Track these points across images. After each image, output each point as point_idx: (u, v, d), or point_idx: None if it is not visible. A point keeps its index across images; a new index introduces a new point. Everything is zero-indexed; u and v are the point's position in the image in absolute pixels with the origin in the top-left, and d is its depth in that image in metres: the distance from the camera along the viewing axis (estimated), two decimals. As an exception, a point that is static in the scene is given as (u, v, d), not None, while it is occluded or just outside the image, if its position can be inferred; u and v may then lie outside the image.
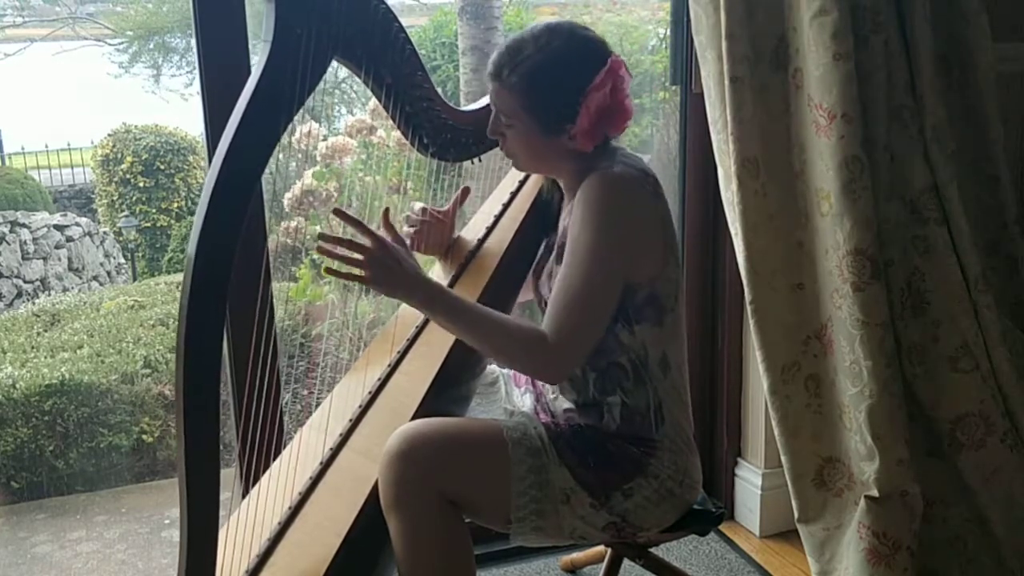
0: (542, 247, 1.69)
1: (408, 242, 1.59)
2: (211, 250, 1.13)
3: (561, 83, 1.44)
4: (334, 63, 1.37)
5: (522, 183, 1.82)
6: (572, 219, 1.46)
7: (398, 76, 1.47)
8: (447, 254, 1.77)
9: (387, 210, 1.52)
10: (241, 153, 1.16)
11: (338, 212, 1.39)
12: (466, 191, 1.76)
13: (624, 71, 1.46)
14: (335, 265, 1.38)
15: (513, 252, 1.70)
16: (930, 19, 1.87)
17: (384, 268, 1.38)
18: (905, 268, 1.95)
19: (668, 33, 2.33)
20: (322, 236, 1.38)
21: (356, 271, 1.39)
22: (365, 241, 1.38)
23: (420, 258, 1.65)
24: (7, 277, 5.58)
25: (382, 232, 1.49)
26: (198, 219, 1.13)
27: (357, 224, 1.39)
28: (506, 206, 1.79)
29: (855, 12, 1.81)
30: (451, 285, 1.69)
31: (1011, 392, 1.96)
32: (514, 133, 1.50)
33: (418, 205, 1.75)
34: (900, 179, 1.93)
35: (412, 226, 1.72)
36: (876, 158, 1.88)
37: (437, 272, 1.75)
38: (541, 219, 1.72)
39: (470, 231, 1.80)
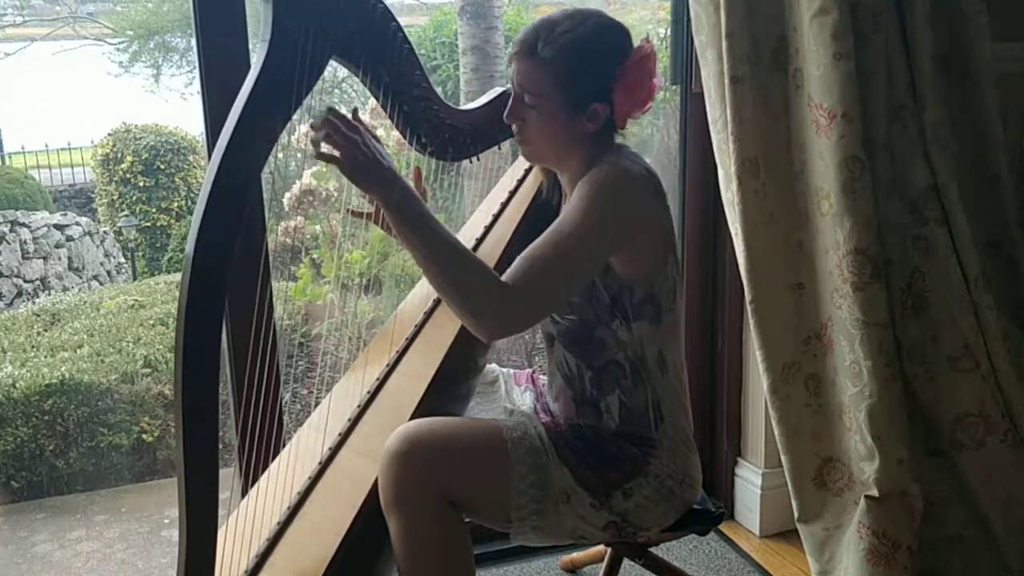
0: None
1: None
2: (209, 250, 1.13)
3: (597, 57, 1.44)
4: (333, 63, 1.36)
5: (520, 182, 1.82)
6: (570, 199, 1.44)
7: (396, 75, 1.46)
8: None
9: (355, 110, 1.43)
10: (239, 153, 1.16)
11: (330, 110, 1.32)
12: (417, 172, 1.69)
13: (653, 51, 1.47)
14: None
15: (511, 253, 1.69)
16: (930, 19, 1.87)
17: (363, 153, 1.32)
18: (905, 268, 1.95)
19: (668, 33, 2.33)
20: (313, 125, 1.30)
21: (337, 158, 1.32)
22: (345, 127, 1.31)
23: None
24: (7, 277, 5.58)
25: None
26: (196, 219, 1.13)
27: (340, 115, 1.32)
28: (504, 205, 1.79)
29: (855, 12, 1.81)
30: None
31: (1011, 392, 1.96)
32: (536, 114, 1.48)
33: None
34: (900, 179, 1.93)
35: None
36: (876, 158, 1.88)
37: (419, 291, 1.73)
38: (540, 219, 1.72)
39: (468, 232, 1.80)
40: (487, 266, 1.38)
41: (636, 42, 1.49)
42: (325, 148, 1.33)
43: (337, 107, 1.36)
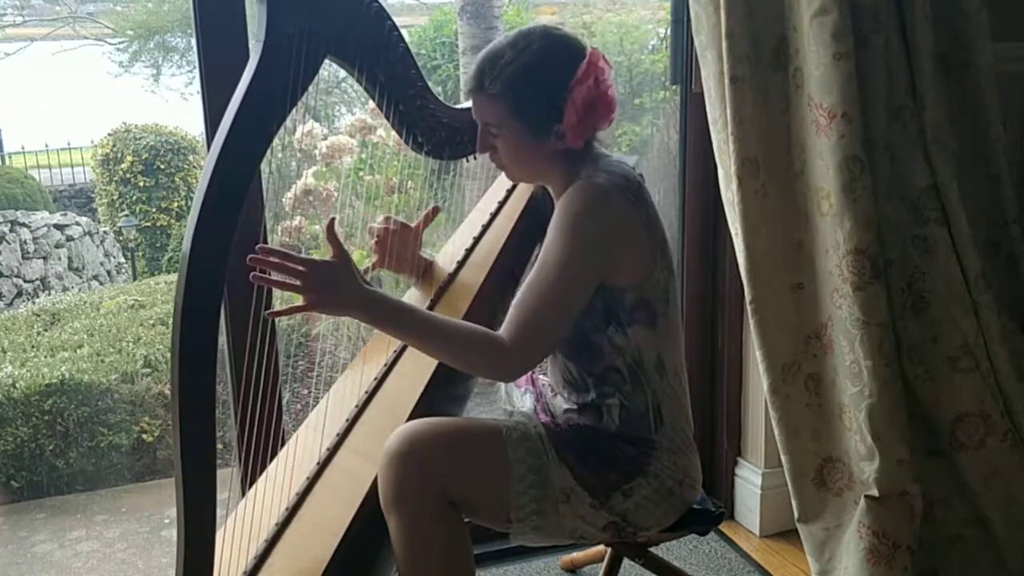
0: (536, 253, 1.69)
1: (367, 255, 1.53)
2: (205, 249, 1.13)
3: (545, 81, 1.44)
4: (332, 63, 1.36)
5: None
6: (549, 227, 1.46)
7: (391, 75, 1.46)
8: (425, 273, 1.75)
9: (332, 220, 1.44)
10: (235, 152, 1.16)
11: (261, 249, 1.31)
12: (435, 211, 1.74)
13: (604, 62, 1.46)
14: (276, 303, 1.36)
15: (508, 253, 1.70)
16: (930, 19, 1.87)
17: (320, 290, 1.33)
18: (905, 268, 1.95)
19: (668, 33, 2.33)
20: (253, 260, 1.29)
21: (298, 301, 1.35)
22: (297, 267, 1.32)
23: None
24: (7, 276, 5.58)
25: (327, 246, 1.41)
26: (192, 218, 1.14)
27: (283, 255, 1.32)
28: (502, 204, 1.79)
29: (855, 12, 1.80)
30: (442, 290, 1.69)
31: (1011, 392, 1.96)
32: (503, 143, 1.49)
33: (381, 217, 1.72)
34: (900, 179, 1.93)
35: (373, 236, 1.70)
36: (876, 158, 1.87)
37: (413, 295, 1.73)
38: (534, 223, 1.72)
39: (465, 231, 1.80)
40: (476, 328, 1.41)
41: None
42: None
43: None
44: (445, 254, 1.79)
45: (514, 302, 1.43)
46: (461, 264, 1.73)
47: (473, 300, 1.63)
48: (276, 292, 2.00)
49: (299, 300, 1.35)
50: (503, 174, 1.86)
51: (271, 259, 1.31)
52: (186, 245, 1.13)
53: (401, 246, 1.70)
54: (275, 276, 1.32)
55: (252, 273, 1.30)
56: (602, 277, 1.46)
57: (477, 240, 1.76)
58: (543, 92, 1.44)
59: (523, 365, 1.43)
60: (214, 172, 1.14)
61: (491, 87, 1.45)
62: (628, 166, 1.52)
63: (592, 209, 1.43)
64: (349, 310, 1.38)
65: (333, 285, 1.35)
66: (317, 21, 1.27)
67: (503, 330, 1.40)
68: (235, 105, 1.17)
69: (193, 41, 1.77)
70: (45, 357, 4.00)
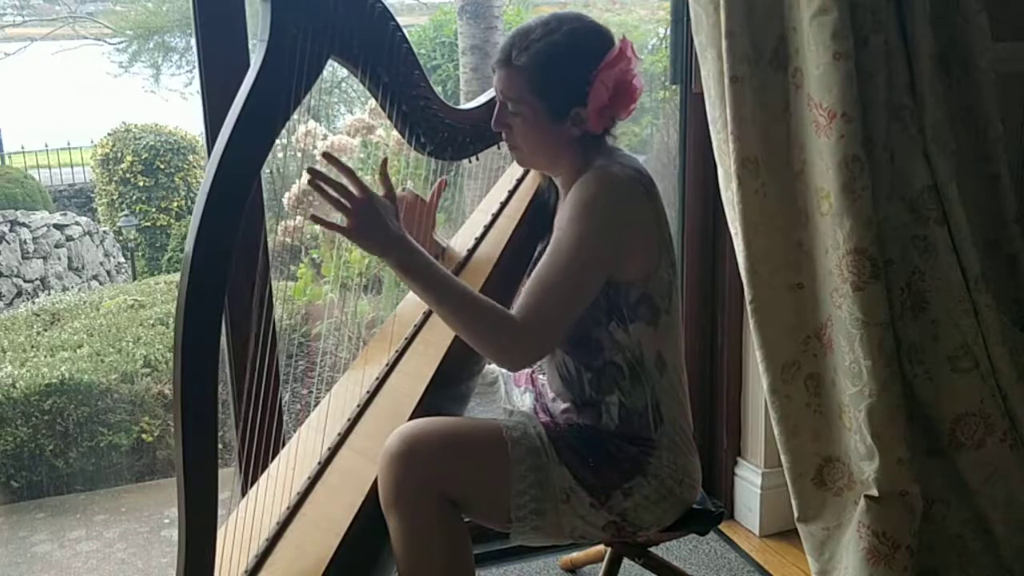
0: (538, 250, 1.69)
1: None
2: (208, 250, 1.13)
3: (572, 62, 1.45)
4: (333, 63, 1.36)
5: (519, 181, 1.82)
6: (561, 212, 1.46)
7: (395, 75, 1.47)
8: (437, 259, 1.75)
9: (385, 160, 1.47)
10: (237, 153, 1.16)
11: (328, 156, 1.36)
12: (443, 184, 1.73)
13: (632, 53, 1.47)
14: (322, 212, 1.36)
15: (510, 253, 1.69)
16: (930, 19, 1.87)
17: (368, 221, 1.36)
18: (905, 268, 1.95)
19: (668, 33, 2.33)
20: (312, 171, 1.33)
21: (340, 220, 1.37)
22: (355, 191, 1.36)
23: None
24: (7, 276, 5.57)
25: (378, 182, 1.45)
26: (195, 219, 1.14)
27: (349, 173, 1.36)
28: (504, 204, 1.79)
29: (855, 12, 1.81)
30: (456, 274, 1.68)
31: (1011, 392, 1.96)
32: (520, 121, 1.49)
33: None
34: (900, 179, 1.93)
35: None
36: (876, 158, 1.88)
37: None
38: (538, 220, 1.72)
39: (467, 231, 1.80)
40: (494, 306, 1.41)
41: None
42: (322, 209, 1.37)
43: (337, 139, 1.38)
44: (456, 241, 1.79)
45: (525, 288, 1.43)
46: (472, 251, 1.73)
47: (481, 287, 1.63)
48: (277, 295, 2.00)
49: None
50: (506, 173, 1.86)
51: (336, 171, 1.34)
52: (188, 246, 1.13)
53: (416, 226, 1.68)
54: (331, 192, 1.34)
55: (310, 178, 1.32)
56: (612, 267, 1.46)
57: (481, 238, 1.76)
58: (568, 72, 1.45)
59: (531, 349, 1.43)
60: (217, 173, 1.14)
61: (517, 59, 1.46)
62: (639, 161, 1.53)
63: (607, 195, 1.44)
64: (383, 250, 1.38)
65: (381, 221, 1.37)
66: (320, 21, 1.27)
67: (515, 311, 1.40)
68: (238, 105, 1.17)
69: (193, 41, 1.77)
70: (45, 357, 4.00)
